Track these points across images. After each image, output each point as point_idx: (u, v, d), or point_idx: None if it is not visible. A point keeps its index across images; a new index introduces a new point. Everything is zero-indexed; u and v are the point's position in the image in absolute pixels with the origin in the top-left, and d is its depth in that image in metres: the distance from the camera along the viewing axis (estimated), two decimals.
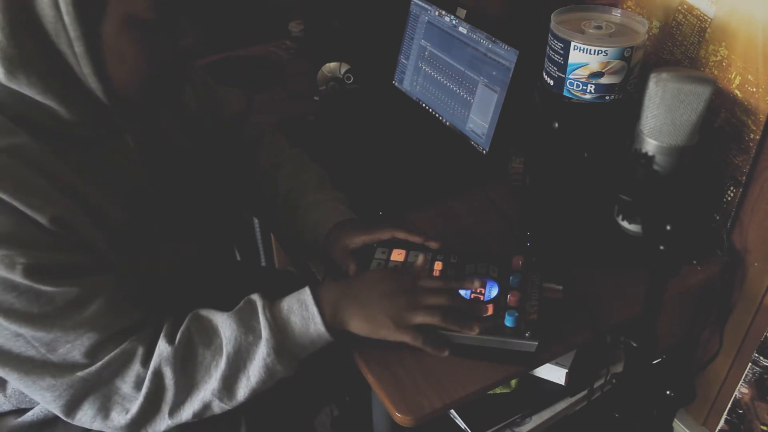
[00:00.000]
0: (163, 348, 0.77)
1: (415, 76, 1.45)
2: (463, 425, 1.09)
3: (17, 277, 0.67)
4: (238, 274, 1.19)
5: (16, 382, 0.75)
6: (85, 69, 0.68)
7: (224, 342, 0.78)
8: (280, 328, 0.79)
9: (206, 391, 0.78)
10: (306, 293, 0.81)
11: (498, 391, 1.11)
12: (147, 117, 0.85)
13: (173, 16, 0.72)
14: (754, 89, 0.96)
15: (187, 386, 0.78)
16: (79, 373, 0.74)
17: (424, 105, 1.42)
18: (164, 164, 0.88)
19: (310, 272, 1.04)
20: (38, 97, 0.69)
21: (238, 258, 1.41)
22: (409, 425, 0.82)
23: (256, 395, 0.80)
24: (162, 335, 0.78)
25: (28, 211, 0.68)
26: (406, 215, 1.12)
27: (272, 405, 0.98)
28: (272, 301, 0.82)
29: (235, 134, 1.09)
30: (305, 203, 1.02)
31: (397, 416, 0.82)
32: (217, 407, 0.79)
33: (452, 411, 1.10)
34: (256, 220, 1.68)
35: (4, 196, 0.67)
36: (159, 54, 0.73)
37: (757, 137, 0.98)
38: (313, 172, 1.08)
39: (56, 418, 0.90)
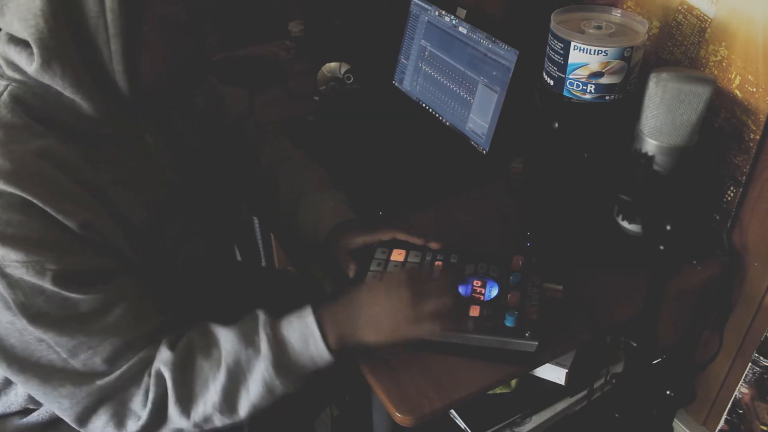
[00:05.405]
0: (163, 352, 0.77)
1: (415, 76, 1.45)
2: (463, 425, 1.09)
3: (46, 284, 0.68)
4: (239, 274, 1.19)
5: (34, 390, 0.75)
6: (116, 66, 0.71)
7: (224, 354, 0.78)
8: (279, 343, 0.78)
9: (206, 405, 0.77)
10: (307, 310, 0.80)
11: (498, 391, 1.11)
12: (162, 116, 0.87)
13: (202, 18, 0.76)
14: (754, 89, 0.96)
15: (186, 395, 0.77)
16: (99, 382, 0.74)
17: (424, 105, 1.42)
18: (179, 165, 0.89)
19: (310, 272, 1.04)
20: (67, 91, 0.70)
21: (239, 258, 1.41)
22: (409, 425, 0.82)
23: (258, 411, 0.80)
24: (164, 339, 0.78)
25: (59, 216, 0.68)
26: (405, 215, 1.12)
27: (273, 405, 0.98)
28: (275, 317, 0.81)
29: (239, 134, 1.09)
30: (305, 203, 1.02)
31: (397, 416, 0.82)
32: (219, 420, 0.79)
33: (452, 411, 1.10)
34: (256, 220, 1.68)
35: (36, 201, 0.67)
36: (187, 52, 0.77)
37: (757, 137, 0.98)
38: (313, 172, 1.08)
39: (61, 419, 0.91)
